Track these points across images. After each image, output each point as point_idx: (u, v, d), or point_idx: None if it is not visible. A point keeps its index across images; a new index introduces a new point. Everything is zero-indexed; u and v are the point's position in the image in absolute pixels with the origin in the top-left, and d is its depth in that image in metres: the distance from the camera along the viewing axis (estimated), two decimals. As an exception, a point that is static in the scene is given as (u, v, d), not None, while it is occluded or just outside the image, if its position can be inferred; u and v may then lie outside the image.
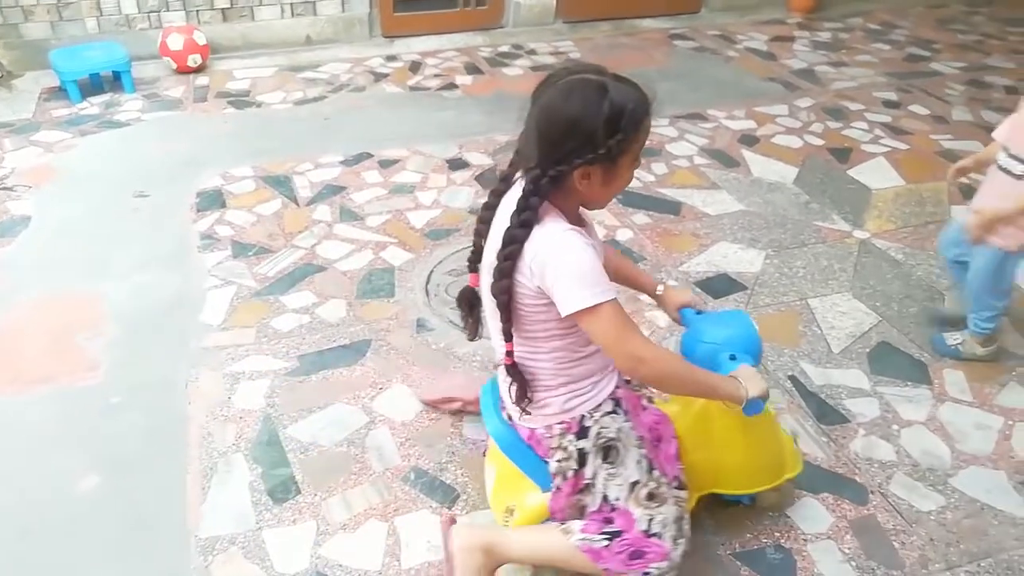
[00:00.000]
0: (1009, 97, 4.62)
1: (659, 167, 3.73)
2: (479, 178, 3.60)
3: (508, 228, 1.41)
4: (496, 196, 1.54)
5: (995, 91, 4.74)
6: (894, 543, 1.95)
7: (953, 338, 2.57)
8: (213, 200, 3.39)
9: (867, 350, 2.60)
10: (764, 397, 1.56)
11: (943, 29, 5.88)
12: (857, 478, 2.13)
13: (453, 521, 1.75)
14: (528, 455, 1.66)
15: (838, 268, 3.02)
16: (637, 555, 1.55)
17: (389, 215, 3.32)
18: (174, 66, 4.66)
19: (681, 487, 1.69)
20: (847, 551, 1.93)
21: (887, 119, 4.31)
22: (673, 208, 3.39)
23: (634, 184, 3.53)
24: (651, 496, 1.60)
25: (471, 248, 1.59)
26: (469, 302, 1.64)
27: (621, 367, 1.55)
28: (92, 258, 3.00)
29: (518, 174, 1.49)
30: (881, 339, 2.65)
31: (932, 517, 2.03)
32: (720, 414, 1.75)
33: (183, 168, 3.64)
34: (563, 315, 1.40)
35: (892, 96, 4.62)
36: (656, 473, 1.64)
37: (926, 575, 1.88)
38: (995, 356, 2.54)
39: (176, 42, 4.59)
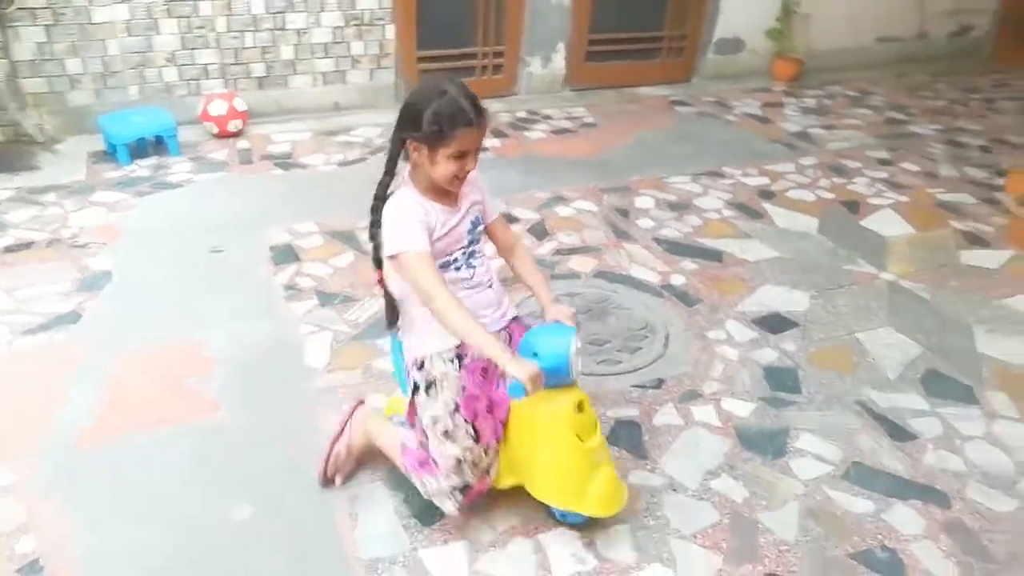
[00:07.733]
0: (985, 155, 5.14)
1: (693, 219, 4.05)
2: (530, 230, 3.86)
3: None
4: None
5: (971, 150, 5.26)
6: (983, 541, 2.21)
7: None
8: (287, 254, 3.57)
9: (918, 376, 2.90)
10: (526, 387, 1.80)
11: (913, 96, 6.47)
12: (937, 486, 2.40)
13: (362, 402, 2.40)
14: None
15: (875, 306, 3.34)
16: (424, 464, 2.07)
17: (455, 266, 3.54)
18: (215, 131, 4.87)
19: (487, 449, 2.04)
20: (944, 548, 2.18)
21: (884, 175, 4.75)
22: (715, 256, 3.70)
23: (676, 234, 3.87)
24: (445, 433, 2.00)
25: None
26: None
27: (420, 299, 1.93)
28: (183, 310, 3.13)
29: None
30: (928, 367, 2.95)
31: (1011, 516, 2.30)
32: (544, 426, 2.01)
33: (249, 224, 3.82)
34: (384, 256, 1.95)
35: (884, 155, 5.09)
36: (459, 418, 1.99)
37: (1017, 565, 2.14)
38: None
39: (218, 108, 4.81)
